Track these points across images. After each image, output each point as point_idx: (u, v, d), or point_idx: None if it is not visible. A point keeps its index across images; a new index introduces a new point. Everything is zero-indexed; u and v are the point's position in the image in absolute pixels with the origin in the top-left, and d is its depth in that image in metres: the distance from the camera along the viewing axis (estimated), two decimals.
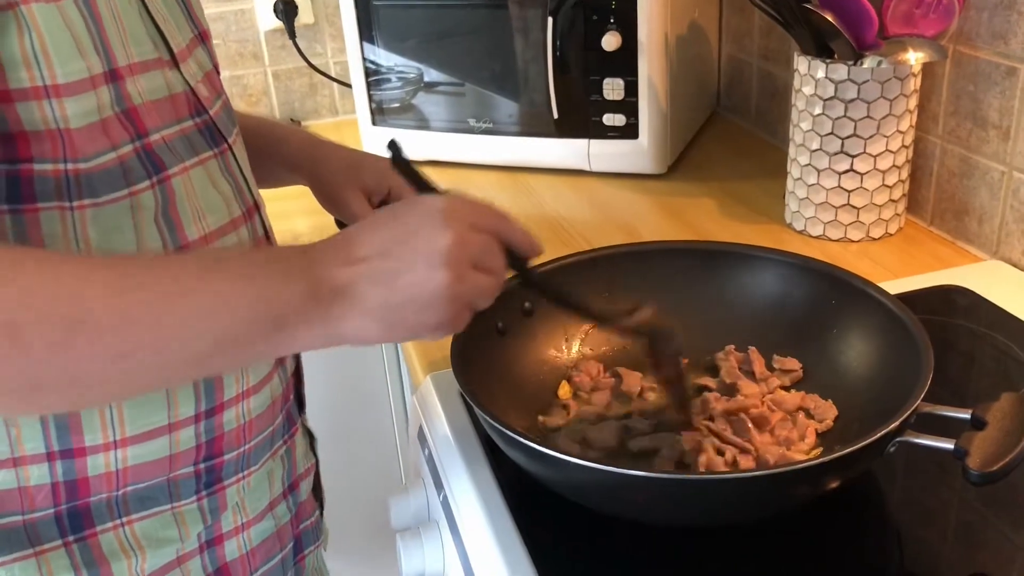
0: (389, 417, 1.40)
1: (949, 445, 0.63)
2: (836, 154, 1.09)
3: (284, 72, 1.72)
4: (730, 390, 0.82)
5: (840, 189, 1.10)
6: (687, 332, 0.82)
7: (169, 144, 0.63)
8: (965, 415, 0.66)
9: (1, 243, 0.56)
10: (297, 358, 0.82)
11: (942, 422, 0.67)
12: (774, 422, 0.77)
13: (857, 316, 0.80)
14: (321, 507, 0.88)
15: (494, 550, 0.69)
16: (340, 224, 0.93)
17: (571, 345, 0.88)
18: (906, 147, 1.09)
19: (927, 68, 1.10)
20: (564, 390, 0.84)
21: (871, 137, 1.07)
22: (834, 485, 0.66)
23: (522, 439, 0.66)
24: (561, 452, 0.66)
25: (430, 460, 0.83)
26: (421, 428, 0.87)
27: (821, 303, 0.83)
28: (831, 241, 1.14)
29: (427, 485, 0.84)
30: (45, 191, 0.57)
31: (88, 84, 0.57)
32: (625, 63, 1.28)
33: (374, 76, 1.43)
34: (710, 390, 0.82)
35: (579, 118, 1.33)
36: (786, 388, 0.82)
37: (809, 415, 0.79)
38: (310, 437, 0.86)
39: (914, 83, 1.06)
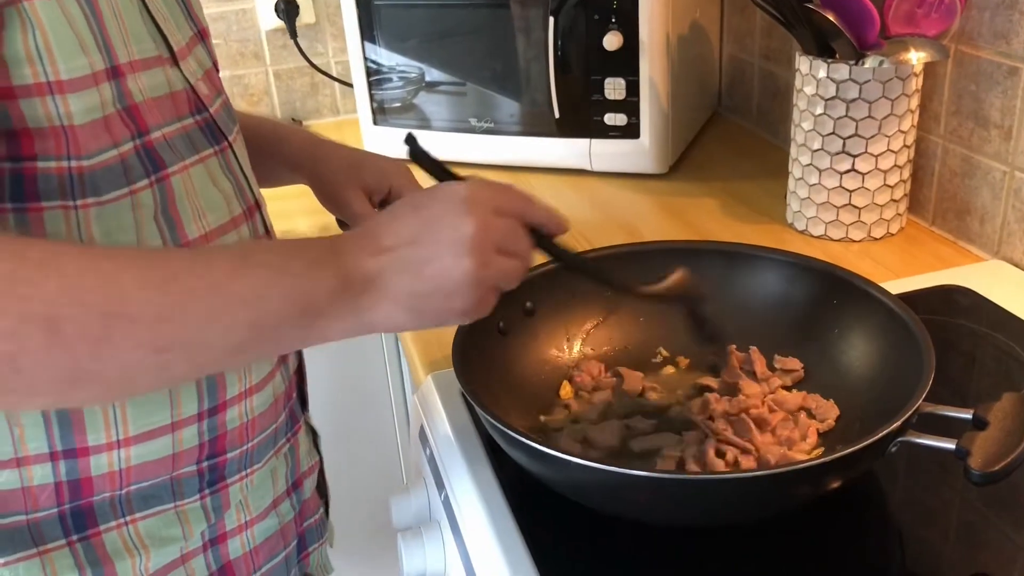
0: (390, 417, 1.40)
1: (951, 445, 0.63)
2: (838, 154, 1.09)
3: (285, 72, 1.72)
4: (731, 390, 0.82)
5: (842, 189, 1.10)
6: (688, 332, 0.82)
7: (170, 142, 0.63)
8: (967, 415, 0.66)
9: (38, 238, 0.56)
10: (300, 356, 0.82)
11: (944, 422, 0.67)
12: (775, 422, 0.77)
13: (859, 316, 0.80)
14: (326, 504, 0.88)
15: (495, 550, 0.69)
16: (341, 223, 0.93)
17: (572, 345, 0.88)
18: (908, 147, 1.09)
19: (929, 68, 1.10)
20: (565, 390, 0.84)
21: (873, 137, 1.07)
22: (835, 485, 0.66)
23: (523, 439, 0.66)
24: (562, 452, 0.66)
25: (431, 460, 0.83)
26: (422, 428, 0.87)
27: (822, 303, 0.83)
28: (833, 241, 1.14)
29: (428, 485, 0.84)
30: (49, 190, 0.57)
31: (91, 81, 0.57)
32: (626, 63, 1.28)
33: (375, 76, 1.43)
34: (711, 390, 0.82)
35: (580, 118, 1.33)
36: (787, 388, 0.82)
37: (811, 415, 0.79)
38: (313, 435, 0.86)
39: (916, 83, 1.06)
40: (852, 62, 1.05)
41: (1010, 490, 0.70)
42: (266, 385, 0.72)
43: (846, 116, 1.06)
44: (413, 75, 1.41)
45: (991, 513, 0.71)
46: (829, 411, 0.78)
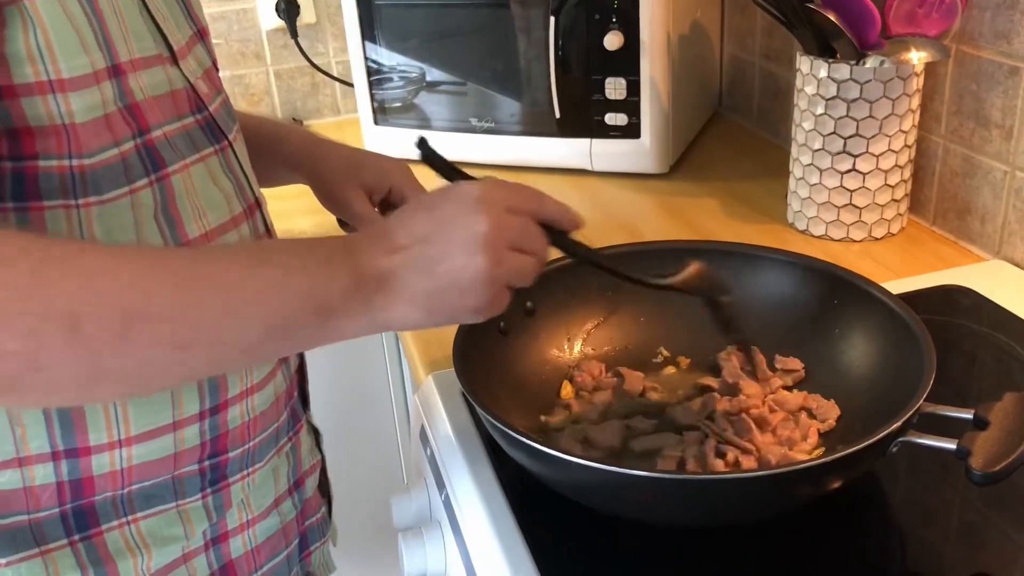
0: (391, 417, 1.40)
1: (951, 445, 0.63)
2: (838, 154, 1.09)
3: (286, 71, 1.72)
4: (732, 390, 0.82)
5: (842, 189, 1.10)
6: (689, 332, 0.83)
7: (170, 140, 0.63)
8: (967, 415, 0.66)
9: (62, 237, 0.57)
10: (300, 355, 0.82)
11: (944, 422, 0.67)
12: (776, 422, 0.77)
13: (859, 316, 0.80)
14: (329, 503, 0.88)
15: (496, 550, 0.69)
16: (341, 223, 0.93)
17: (573, 345, 0.88)
18: (908, 147, 1.09)
19: (930, 68, 1.10)
20: (566, 390, 0.84)
21: (874, 137, 1.07)
22: (836, 485, 0.66)
23: (524, 439, 0.66)
24: (563, 452, 0.66)
25: (432, 460, 0.83)
26: (423, 428, 0.87)
27: (823, 303, 0.83)
28: (833, 241, 1.14)
29: (429, 485, 0.84)
30: (50, 188, 0.57)
31: (92, 79, 0.57)
32: (627, 63, 1.28)
33: (376, 75, 1.43)
34: (712, 390, 0.82)
35: (581, 118, 1.33)
36: (788, 388, 0.82)
37: (811, 415, 0.79)
38: (315, 434, 0.86)
39: (917, 83, 1.06)
40: (853, 62, 1.05)
41: (1011, 490, 0.69)
42: (267, 384, 0.72)
43: (847, 116, 1.06)
44: (414, 75, 1.41)
45: (992, 513, 0.71)
46: (830, 411, 0.78)
